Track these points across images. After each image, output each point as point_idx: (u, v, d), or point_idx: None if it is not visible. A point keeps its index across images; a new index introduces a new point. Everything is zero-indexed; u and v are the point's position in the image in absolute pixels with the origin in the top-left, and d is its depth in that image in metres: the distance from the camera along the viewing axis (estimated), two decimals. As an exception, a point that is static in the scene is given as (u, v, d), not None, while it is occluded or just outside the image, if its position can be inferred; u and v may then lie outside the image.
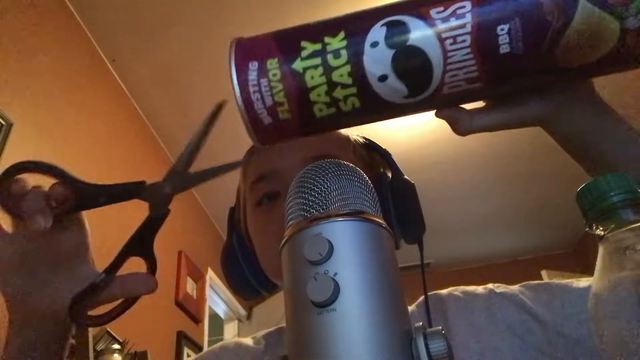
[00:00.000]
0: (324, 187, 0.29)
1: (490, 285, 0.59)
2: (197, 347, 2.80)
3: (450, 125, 0.42)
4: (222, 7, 2.19)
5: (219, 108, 0.46)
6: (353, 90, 0.36)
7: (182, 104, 2.64)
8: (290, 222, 0.30)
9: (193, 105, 2.64)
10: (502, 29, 0.34)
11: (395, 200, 0.57)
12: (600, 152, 0.43)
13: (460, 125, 0.41)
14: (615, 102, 0.44)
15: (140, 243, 0.46)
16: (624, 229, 0.28)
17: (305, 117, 0.37)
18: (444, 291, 0.61)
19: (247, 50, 0.38)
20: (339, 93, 0.36)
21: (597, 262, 0.29)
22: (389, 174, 0.61)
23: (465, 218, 3.83)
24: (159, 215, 0.45)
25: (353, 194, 0.30)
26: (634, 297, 0.26)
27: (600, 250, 0.29)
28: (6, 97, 1.66)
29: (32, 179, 0.43)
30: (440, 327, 0.25)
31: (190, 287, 2.89)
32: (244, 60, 0.37)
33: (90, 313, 0.46)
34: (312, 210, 0.29)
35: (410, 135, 2.96)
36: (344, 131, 0.63)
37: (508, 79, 0.37)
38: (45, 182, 0.43)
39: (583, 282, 0.53)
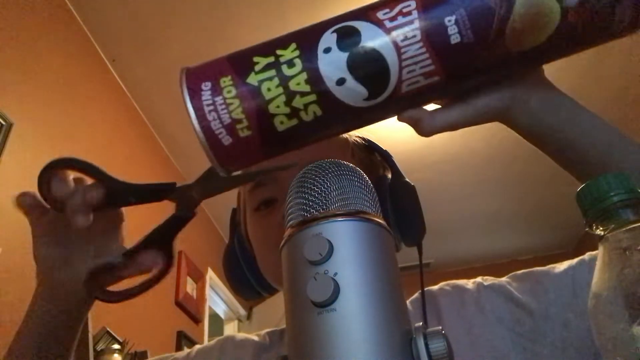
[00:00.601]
0: (324, 187, 0.29)
1: (478, 279, 0.60)
2: (197, 347, 2.80)
3: (413, 127, 0.42)
4: (222, 8, 2.19)
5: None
6: (312, 97, 0.36)
7: (182, 104, 2.64)
8: (290, 222, 0.30)
9: (193, 105, 2.64)
10: (449, 20, 0.35)
11: (395, 202, 0.57)
12: (566, 140, 0.43)
13: (422, 125, 0.41)
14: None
15: (162, 238, 0.47)
16: (624, 229, 0.28)
17: (267, 133, 0.36)
18: (435, 287, 0.62)
19: (199, 74, 0.37)
20: (298, 102, 0.36)
21: (597, 262, 0.29)
22: (389, 176, 0.61)
23: (465, 218, 3.83)
24: (186, 216, 0.46)
25: (353, 194, 0.30)
26: (634, 297, 0.26)
27: (600, 250, 0.29)
28: (6, 97, 1.66)
29: (70, 176, 0.46)
30: (440, 327, 0.25)
31: (190, 287, 2.89)
32: (196, 83, 0.37)
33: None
34: (312, 210, 0.29)
35: (410, 135, 2.94)
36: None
37: (464, 70, 0.38)
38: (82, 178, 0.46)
39: (564, 265, 0.54)
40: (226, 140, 0.36)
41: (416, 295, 0.61)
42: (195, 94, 0.36)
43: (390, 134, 2.85)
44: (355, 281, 0.26)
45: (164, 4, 2.16)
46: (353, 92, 0.36)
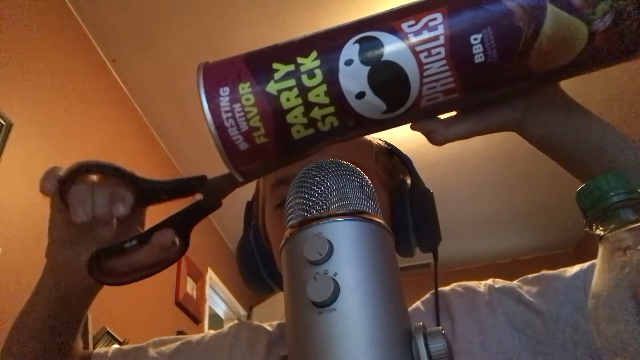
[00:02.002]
0: (324, 187, 0.29)
1: (489, 281, 0.60)
2: (197, 347, 2.80)
3: (425, 136, 0.42)
4: (222, 8, 2.19)
5: None
6: (331, 109, 0.35)
7: (182, 104, 2.64)
8: (290, 222, 0.30)
9: (193, 105, 2.64)
10: (475, 39, 0.35)
11: (414, 208, 0.57)
12: (578, 151, 0.43)
13: (436, 136, 0.42)
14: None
15: (181, 223, 0.46)
16: (624, 229, 0.28)
17: (283, 140, 0.36)
18: (447, 288, 0.62)
19: (217, 75, 0.37)
20: (316, 113, 0.35)
21: (597, 262, 0.29)
22: (409, 181, 0.61)
23: (465, 218, 3.82)
24: (211, 205, 0.45)
25: (353, 194, 0.30)
26: (634, 297, 0.26)
27: (600, 250, 0.29)
28: (6, 97, 1.66)
29: (96, 180, 0.44)
30: (440, 327, 0.25)
31: (190, 287, 2.89)
32: (214, 86, 0.36)
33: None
34: (312, 210, 0.29)
35: (410, 135, 2.95)
36: (366, 136, 0.64)
37: (484, 87, 0.37)
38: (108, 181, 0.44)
39: (575, 269, 0.54)
40: (243, 146, 0.36)
41: (428, 295, 0.62)
42: (213, 99, 0.36)
43: (390, 133, 2.84)
44: (355, 281, 0.26)
45: (164, 4, 2.16)
46: (372, 106, 0.36)
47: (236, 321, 3.75)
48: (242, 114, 0.35)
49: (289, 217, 0.30)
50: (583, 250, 4.23)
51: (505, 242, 4.32)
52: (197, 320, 2.93)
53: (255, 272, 0.62)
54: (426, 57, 0.35)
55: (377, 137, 0.66)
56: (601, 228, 0.29)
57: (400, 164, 0.65)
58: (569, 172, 0.46)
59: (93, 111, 2.22)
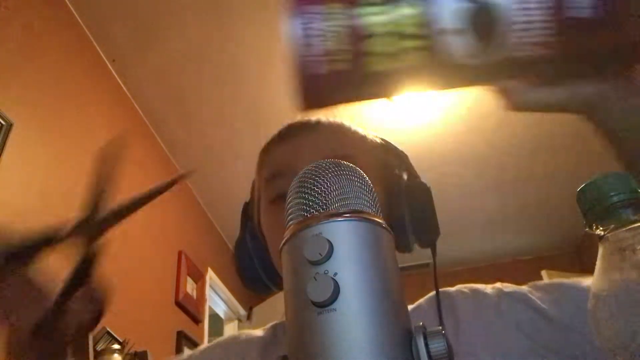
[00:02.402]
0: (324, 187, 0.29)
1: (498, 285, 0.59)
2: (197, 347, 2.80)
3: (503, 98, 0.40)
4: (222, 7, 2.19)
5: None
6: (419, 42, 0.33)
7: (182, 104, 2.64)
8: (290, 222, 0.30)
9: (193, 105, 2.64)
10: None
11: (411, 203, 0.57)
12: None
13: (515, 99, 0.39)
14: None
15: (81, 279, 0.46)
16: (624, 229, 0.28)
17: (364, 70, 0.34)
18: (452, 289, 0.61)
19: None
20: (403, 45, 0.33)
21: (597, 262, 0.29)
22: (405, 176, 0.61)
23: (465, 218, 3.82)
24: (92, 254, 0.46)
25: (353, 194, 0.29)
26: (634, 297, 0.26)
27: (600, 250, 0.29)
28: (6, 97, 1.66)
29: None
30: (440, 327, 0.25)
31: (190, 287, 2.89)
32: (300, 4, 0.34)
33: None
34: (312, 210, 0.29)
35: (410, 136, 2.95)
36: (360, 131, 0.64)
37: (579, 49, 0.35)
38: None
39: (590, 280, 0.52)
40: (321, 69, 0.34)
41: (431, 294, 0.61)
42: (298, 16, 0.34)
43: (391, 135, 2.85)
44: (355, 281, 0.26)
45: (164, 4, 2.16)
46: (461, 44, 0.34)
47: (236, 321, 3.75)
48: (327, 35, 0.33)
49: (289, 217, 0.30)
50: (583, 250, 4.23)
51: (505, 242, 4.32)
52: (197, 320, 2.93)
53: (253, 272, 0.62)
54: (525, 2, 0.33)
55: (372, 133, 0.65)
56: (601, 228, 0.29)
57: (396, 159, 0.64)
58: (630, 170, 0.42)
59: (93, 111, 2.22)
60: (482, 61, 0.35)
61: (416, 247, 0.59)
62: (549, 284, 0.56)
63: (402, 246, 0.57)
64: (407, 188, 0.58)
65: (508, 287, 0.58)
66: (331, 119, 0.64)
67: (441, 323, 0.53)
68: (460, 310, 0.56)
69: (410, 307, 0.59)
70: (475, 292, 0.59)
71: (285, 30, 0.34)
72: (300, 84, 0.35)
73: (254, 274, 0.62)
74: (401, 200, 0.57)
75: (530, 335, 0.51)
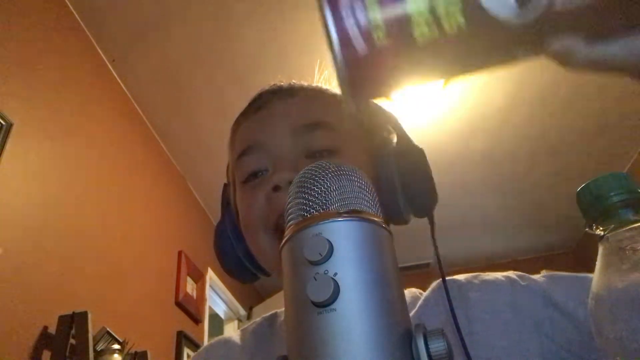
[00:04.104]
0: (324, 187, 0.29)
1: (512, 275, 0.53)
2: (197, 347, 2.80)
3: (563, 58, 0.35)
4: (222, 7, 2.19)
5: None
6: (458, 4, 0.31)
7: (182, 104, 2.64)
8: (290, 222, 0.30)
9: (193, 105, 2.64)
10: None
11: (402, 168, 0.52)
12: None
13: (577, 56, 0.34)
14: None
15: None
16: (624, 229, 0.28)
17: (405, 43, 0.32)
18: (461, 277, 0.56)
19: None
20: (442, 8, 0.31)
21: (597, 262, 0.29)
22: (394, 140, 0.56)
23: (464, 218, 3.82)
24: None
25: (353, 194, 0.30)
26: (633, 296, 0.26)
27: (600, 250, 0.29)
28: (6, 97, 1.66)
29: None
30: (441, 327, 0.25)
31: (190, 287, 2.89)
32: None
33: None
34: (312, 210, 0.29)
35: (411, 135, 2.95)
36: (334, 93, 0.59)
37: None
38: None
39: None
40: (361, 48, 0.32)
41: (436, 283, 0.56)
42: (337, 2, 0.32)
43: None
44: (355, 281, 0.26)
45: (164, 4, 2.16)
46: (502, 1, 0.31)
47: (236, 321, 3.75)
48: (362, 8, 0.31)
49: (289, 217, 0.30)
50: (583, 250, 4.23)
51: (505, 242, 4.32)
52: (197, 320, 2.93)
53: (233, 257, 0.58)
54: None
55: None
56: (601, 228, 0.29)
57: (384, 122, 0.59)
58: None
59: (93, 111, 2.22)
60: (527, 18, 0.32)
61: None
62: (568, 278, 0.51)
63: (395, 217, 0.52)
64: (396, 151, 0.53)
65: (523, 278, 0.53)
66: (306, 83, 0.60)
67: (455, 321, 0.47)
68: (474, 307, 0.51)
69: (418, 302, 0.55)
70: (487, 284, 0.53)
71: (318, 7, 0.32)
72: (338, 66, 0.33)
73: (236, 261, 0.58)
74: (389, 166, 0.52)
75: (551, 335, 0.47)
